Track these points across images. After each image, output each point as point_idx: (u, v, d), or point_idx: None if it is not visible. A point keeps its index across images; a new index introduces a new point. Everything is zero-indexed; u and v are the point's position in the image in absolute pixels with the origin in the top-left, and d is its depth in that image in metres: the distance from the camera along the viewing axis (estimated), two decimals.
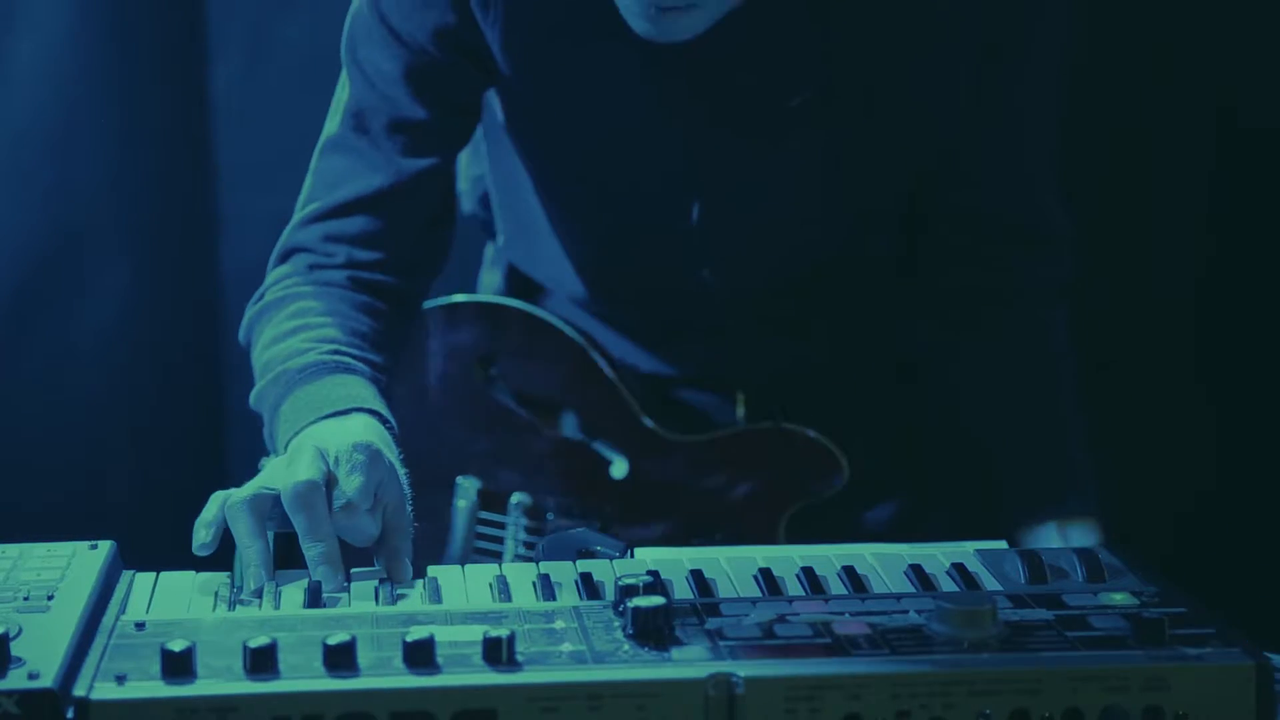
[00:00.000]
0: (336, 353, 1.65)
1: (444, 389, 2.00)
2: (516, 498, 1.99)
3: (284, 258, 1.78)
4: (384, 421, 1.59)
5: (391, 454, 1.55)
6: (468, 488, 2.01)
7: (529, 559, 1.72)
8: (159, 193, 2.74)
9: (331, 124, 1.78)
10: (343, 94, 1.78)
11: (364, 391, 1.61)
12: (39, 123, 2.63)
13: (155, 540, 1.54)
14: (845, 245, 1.90)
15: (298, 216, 1.79)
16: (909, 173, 1.83)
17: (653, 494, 1.95)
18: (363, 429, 1.55)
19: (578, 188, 1.87)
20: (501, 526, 2.01)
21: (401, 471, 1.55)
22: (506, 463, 2.00)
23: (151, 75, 2.70)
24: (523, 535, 1.99)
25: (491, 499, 2.01)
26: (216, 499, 1.48)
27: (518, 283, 2.07)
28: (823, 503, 1.91)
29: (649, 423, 1.94)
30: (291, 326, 1.69)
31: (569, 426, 1.98)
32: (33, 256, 2.66)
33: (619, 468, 1.96)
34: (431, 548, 1.99)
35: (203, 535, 1.46)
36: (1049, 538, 1.78)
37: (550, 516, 1.98)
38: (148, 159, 2.71)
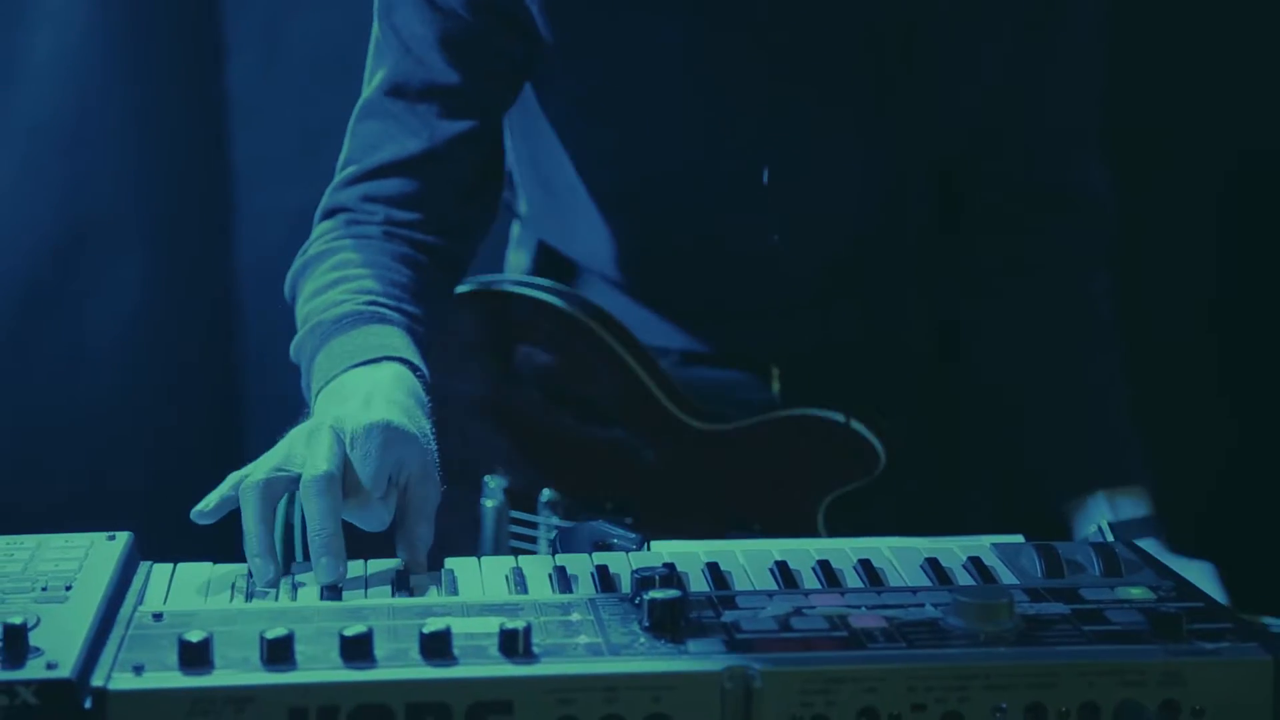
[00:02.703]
0: (372, 303, 1.64)
1: (464, 382, 1.97)
2: (546, 495, 1.96)
3: (326, 215, 1.78)
4: (415, 370, 1.57)
5: (419, 406, 1.53)
6: (494, 487, 1.98)
7: None
8: (174, 188, 2.74)
9: (368, 88, 1.77)
10: (378, 57, 1.76)
11: (397, 340, 1.60)
12: (54, 118, 2.64)
13: (172, 532, 1.54)
14: (887, 214, 1.88)
15: (336, 179, 1.78)
16: (954, 136, 1.82)
17: (684, 485, 1.92)
18: (392, 378, 1.54)
19: (631, 163, 1.83)
20: (534, 526, 1.97)
21: (427, 425, 1.52)
22: (533, 459, 1.97)
23: (167, 71, 2.70)
24: (554, 534, 1.95)
25: (521, 498, 1.98)
26: (232, 479, 1.47)
27: (547, 261, 2.05)
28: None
29: (677, 412, 1.91)
30: (331, 279, 1.68)
31: (594, 419, 1.95)
32: (48, 251, 2.67)
33: (647, 459, 1.94)
34: (461, 544, 1.94)
35: (206, 504, 1.45)
36: (1098, 508, 1.77)
37: (582, 513, 1.95)
38: (163, 154, 2.72)
